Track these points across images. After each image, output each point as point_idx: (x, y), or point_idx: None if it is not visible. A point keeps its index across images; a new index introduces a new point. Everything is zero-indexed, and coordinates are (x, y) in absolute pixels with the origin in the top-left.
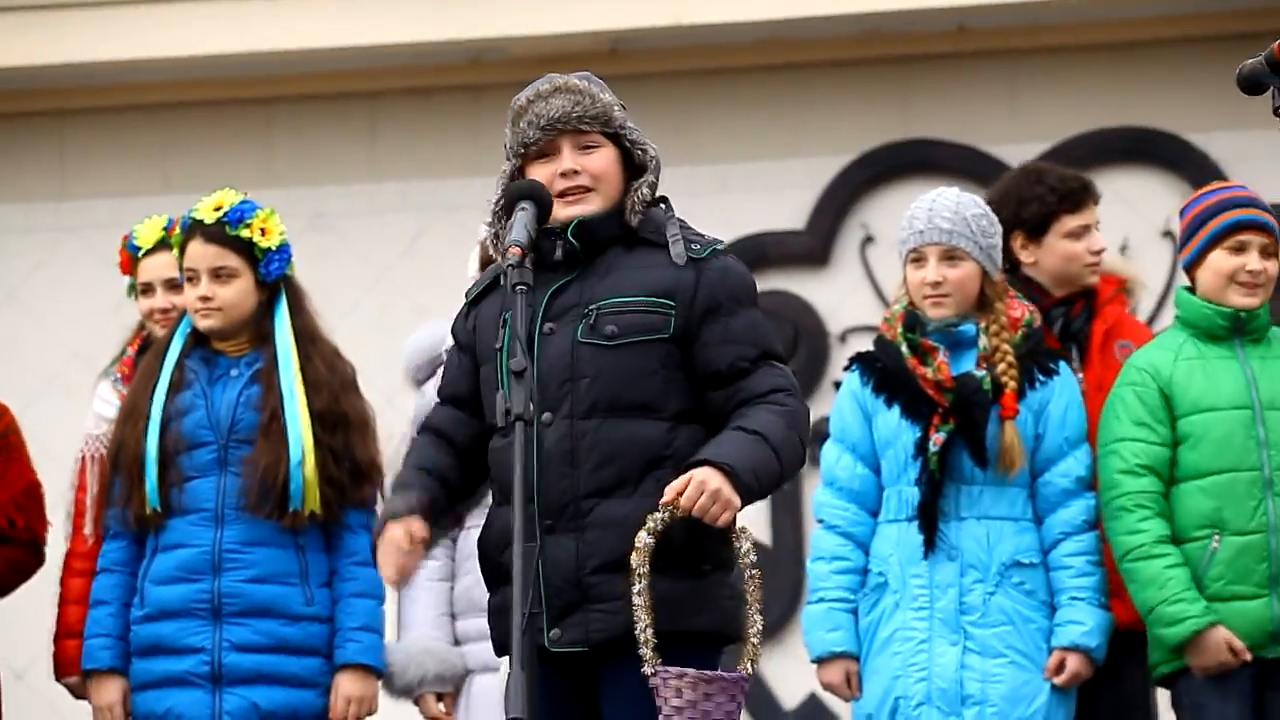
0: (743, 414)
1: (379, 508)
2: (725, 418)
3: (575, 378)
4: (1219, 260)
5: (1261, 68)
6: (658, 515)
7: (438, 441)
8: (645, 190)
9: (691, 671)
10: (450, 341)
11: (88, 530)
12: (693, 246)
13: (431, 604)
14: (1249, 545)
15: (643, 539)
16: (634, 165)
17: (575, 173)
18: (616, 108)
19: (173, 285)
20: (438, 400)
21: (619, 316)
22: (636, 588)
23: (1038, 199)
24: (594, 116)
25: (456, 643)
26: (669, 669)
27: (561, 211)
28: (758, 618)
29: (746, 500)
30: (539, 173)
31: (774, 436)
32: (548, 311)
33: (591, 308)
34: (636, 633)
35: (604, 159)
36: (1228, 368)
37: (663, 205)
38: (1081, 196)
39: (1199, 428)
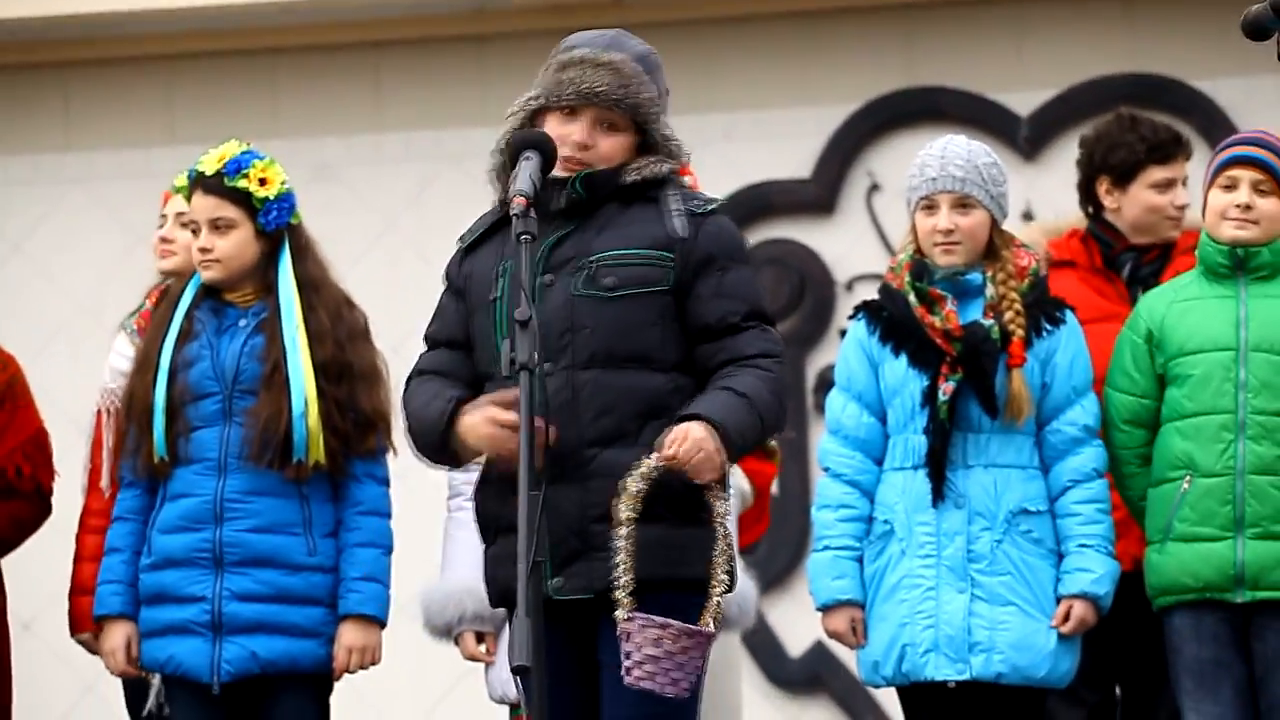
0: (730, 374)
1: (389, 458)
2: (708, 372)
3: (575, 329)
4: (1213, 198)
5: (1266, 13)
6: (650, 463)
7: (438, 378)
8: (661, 168)
9: (675, 624)
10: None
11: (104, 484)
12: (692, 202)
13: (474, 545)
14: (1214, 487)
15: (633, 486)
16: (646, 150)
17: (586, 147)
18: (654, 104)
19: (183, 221)
20: (426, 345)
21: (618, 269)
22: (624, 532)
23: (1127, 146)
24: (629, 106)
25: None
26: (652, 617)
27: (558, 170)
28: (724, 576)
29: (730, 461)
30: (554, 126)
31: (759, 402)
32: (547, 263)
33: (591, 260)
34: (615, 577)
35: (617, 144)
36: (1222, 307)
37: (661, 183)
38: (1172, 150)
39: (1184, 368)
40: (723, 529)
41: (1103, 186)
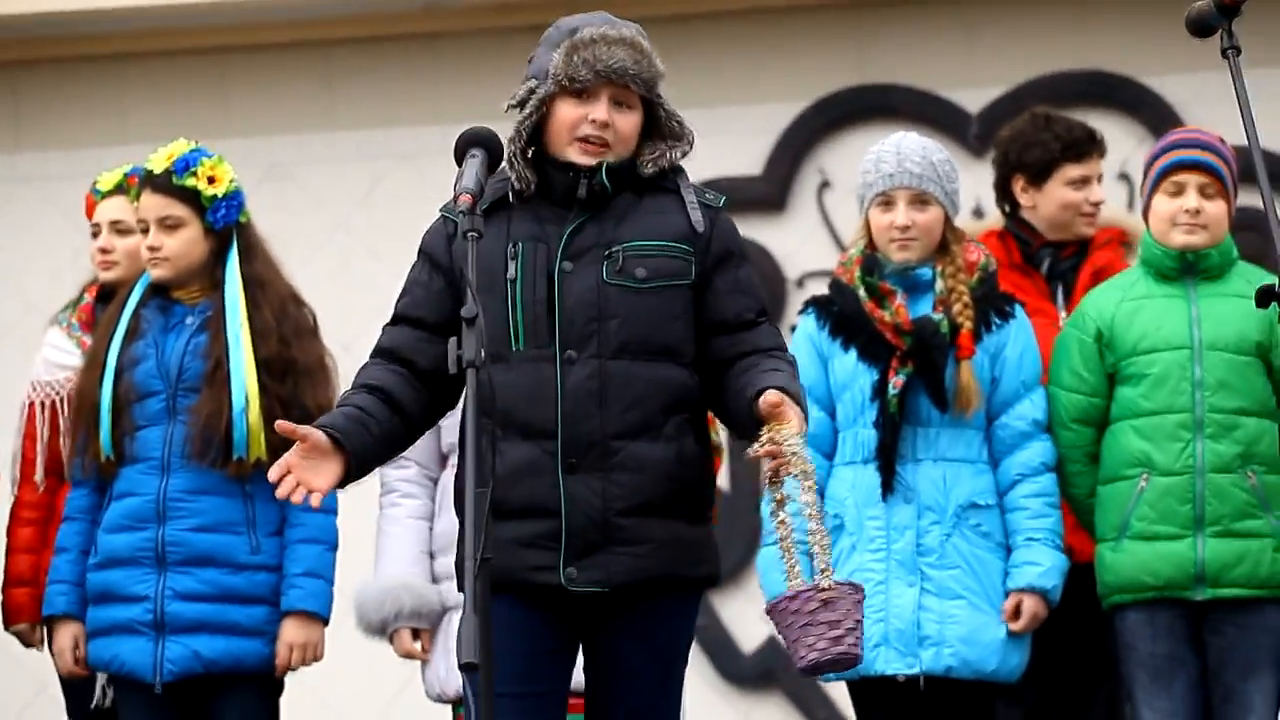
0: (763, 363)
1: None
2: (724, 364)
3: (603, 317)
4: (1159, 204)
5: (1210, 10)
6: (783, 431)
7: (390, 366)
8: (677, 154)
9: (862, 585)
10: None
11: (38, 478)
12: (707, 195)
13: (410, 542)
14: (1173, 486)
15: (798, 449)
16: (653, 131)
17: (606, 125)
18: (662, 78)
19: (118, 229)
20: (391, 319)
21: (646, 259)
22: (809, 499)
23: (1042, 144)
24: (644, 80)
25: (435, 581)
26: (848, 582)
27: (576, 156)
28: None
29: None
30: (568, 110)
31: (802, 393)
32: (566, 249)
33: (615, 249)
34: (814, 541)
35: (633, 123)
36: (1174, 307)
37: (674, 170)
38: (1086, 147)
39: (1139, 368)
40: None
41: (1018, 185)
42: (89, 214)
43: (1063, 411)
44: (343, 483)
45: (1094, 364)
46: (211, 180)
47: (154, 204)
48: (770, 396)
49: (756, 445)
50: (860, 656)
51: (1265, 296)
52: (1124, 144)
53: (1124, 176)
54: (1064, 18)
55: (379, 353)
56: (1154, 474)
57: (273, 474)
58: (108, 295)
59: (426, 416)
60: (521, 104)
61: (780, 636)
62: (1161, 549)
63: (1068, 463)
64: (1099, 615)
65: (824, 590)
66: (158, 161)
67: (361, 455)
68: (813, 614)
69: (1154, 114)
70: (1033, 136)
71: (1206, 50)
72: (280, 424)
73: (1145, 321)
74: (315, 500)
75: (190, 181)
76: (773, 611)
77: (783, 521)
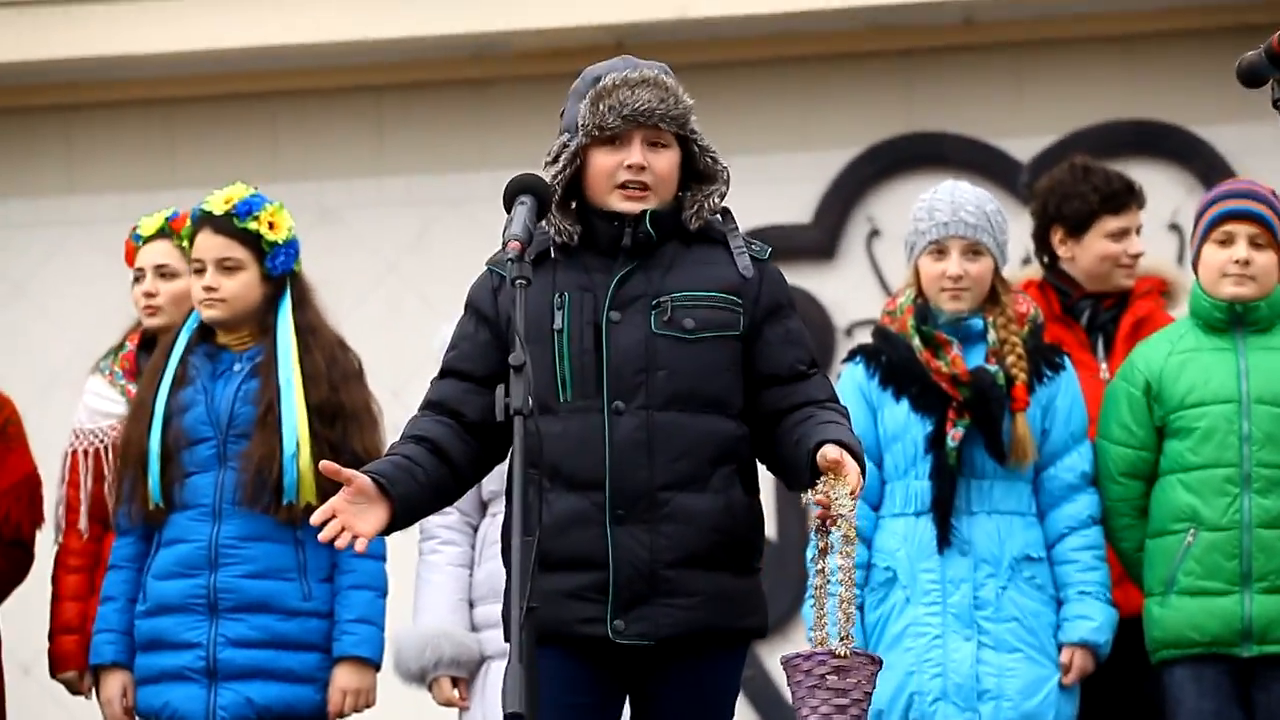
0: (821, 414)
1: None
2: (777, 415)
3: (651, 369)
4: (1209, 254)
5: (1261, 60)
6: (837, 487)
7: (438, 418)
8: (715, 199)
9: (880, 658)
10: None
11: (82, 525)
12: (754, 247)
13: (449, 589)
14: (1221, 541)
15: (843, 512)
16: (693, 169)
17: (642, 169)
18: (693, 113)
19: (162, 273)
20: (439, 373)
21: (695, 311)
22: (842, 562)
23: (1080, 196)
24: (674, 118)
25: (474, 629)
26: (865, 653)
27: (617, 203)
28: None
29: None
30: (603, 159)
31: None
32: (613, 300)
33: (664, 299)
34: (840, 607)
35: (670, 161)
36: (1222, 360)
37: (721, 215)
38: (1125, 199)
39: (1187, 421)
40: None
41: (1057, 236)
42: (129, 260)
43: (1111, 465)
44: (388, 529)
45: (1143, 417)
46: (272, 226)
47: (214, 245)
48: (830, 452)
49: (811, 492)
50: None
51: None
52: (1174, 194)
53: (1174, 227)
54: (1114, 66)
55: (427, 405)
56: (1201, 529)
57: (317, 517)
58: (150, 342)
59: (476, 468)
60: (556, 159)
61: (790, 690)
62: (1209, 604)
63: (1116, 516)
64: (1143, 668)
65: (839, 657)
66: (217, 203)
67: (407, 502)
68: (822, 678)
69: (1204, 164)
70: (1071, 188)
71: (1257, 100)
72: (325, 465)
73: (1193, 375)
74: (360, 545)
75: (252, 225)
76: (786, 665)
77: (820, 571)
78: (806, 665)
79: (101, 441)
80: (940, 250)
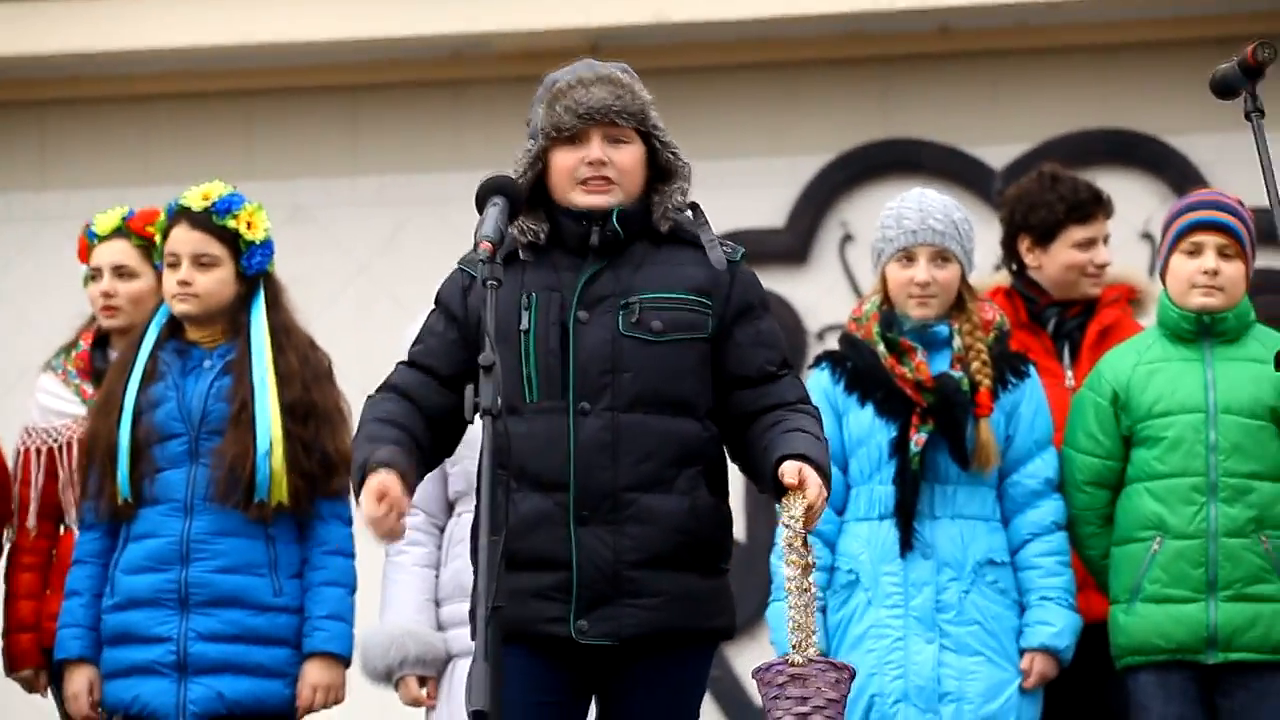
0: (790, 418)
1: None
2: (747, 418)
3: (617, 370)
4: (1177, 264)
5: (1234, 72)
6: (794, 503)
7: (403, 402)
8: (679, 196)
9: (850, 665)
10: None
11: (30, 523)
12: (726, 247)
13: (415, 589)
14: (1186, 549)
15: (795, 528)
16: (657, 166)
17: (603, 163)
18: (652, 107)
19: (120, 273)
20: (403, 362)
21: (663, 312)
22: (792, 574)
23: (1047, 206)
24: (632, 113)
25: (440, 628)
26: (830, 660)
27: (580, 199)
28: (814, 624)
29: None
30: (564, 158)
31: (826, 445)
32: (580, 299)
33: (632, 300)
34: (790, 618)
35: (632, 156)
36: (1189, 370)
37: (691, 210)
38: (1091, 209)
39: (1154, 430)
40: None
41: (1024, 245)
42: (83, 256)
43: (1077, 474)
44: None
45: (1109, 427)
46: (250, 225)
47: (191, 240)
48: (787, 473)
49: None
50: None
51: None
52: (1147, 203)
53: (1146, 236)
54: (1089, 76)
55: (389, 388)
56: (1167, 537)
57: (379, 511)
58: (104, 341)
59: (432, 459)
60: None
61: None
62: (1174, 612)
63: (1082, 524)
64: (1106, 674)
65: (795, 665)
66: (195, 199)
67: (411, 487)
68: (781, 687)
69: (1177, 174)
70: (1038, 197)
71: (1233, 110)
72: (378, 494)
73: (1161, 385)
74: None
75: (231, 223)
76: (754, 676)
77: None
78: (767, 676)
79: (55, 440)
80: (909, 257)
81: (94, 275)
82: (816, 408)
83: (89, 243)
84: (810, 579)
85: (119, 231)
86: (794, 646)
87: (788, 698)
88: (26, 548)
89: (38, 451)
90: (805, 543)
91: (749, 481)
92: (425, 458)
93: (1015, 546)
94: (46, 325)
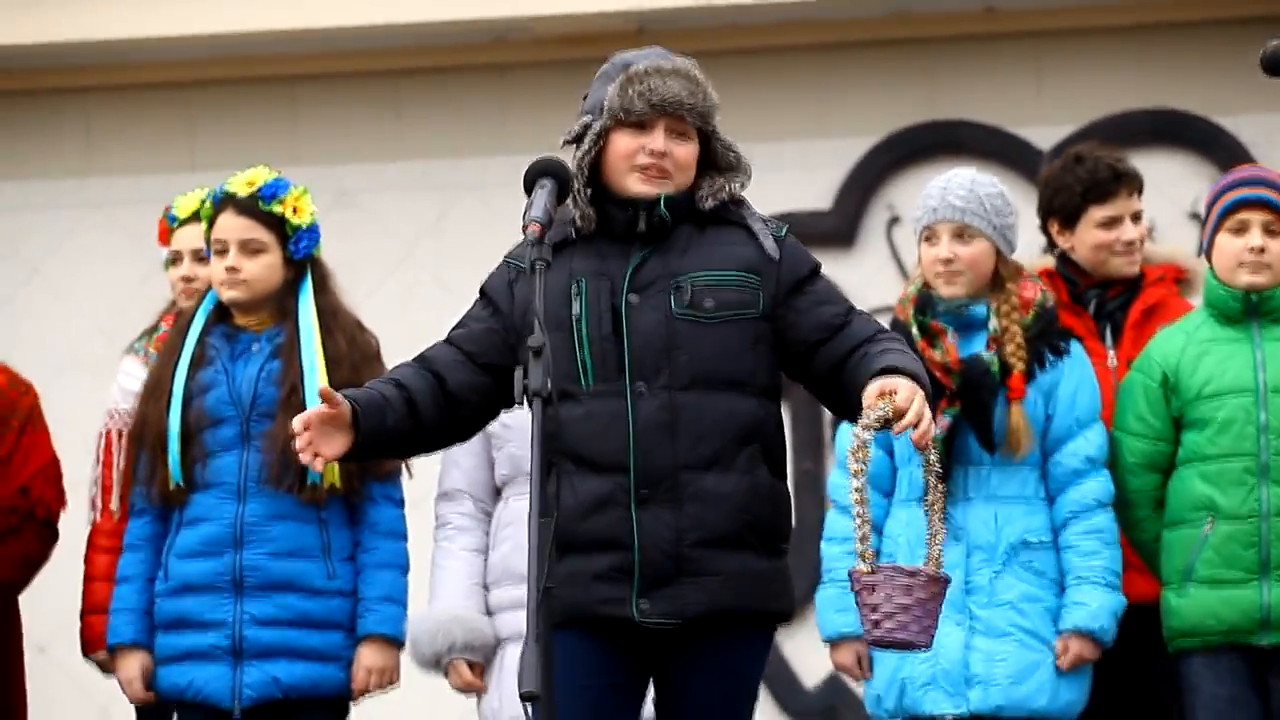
0: (874, 347)
1: (404, 481)
2: (835, 369)
3: (672, 350)
4: (1223, 242)
5: None
6: (870, 413)
7: (423, 372)
8: (736, 187)
9: (924, 570)
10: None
11: (114, 506)
12: (769, 224)
13: (463, 574)
14: (1239, 531)
15: (863, 436)
16: (710, 163)
17: (664, 155)
18: (718, 110)
19: (199, 256)
20: (444, 339)
21: (714, 291)
22: (856, 484)
23: (1067, 188)
24: (701, 113)
25: (489, 613)
26: (900, 565)
27: (636, 185)
28: (942, 525)
29: None
30: (625, 142)
31: (917, 362)
32: (631, 283)
33: (682, 281)
34: (855, 526)
35: (690, 152)
36: (1238, 350)
37: (736, 204)
38: (1110, 187)
39: (1204, 412)
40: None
41: (1054, 228)
42: (163, 239)
43: (1129, 457)
44: (342, 459)
45: (1160, 409)
46: (296, 210)
47: (237, 226)
48: (871, 386)
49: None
50: (909, 642)
51: None
52: (1195, 183)
53: (1195, 216)
54: (1135, 55)
55: (418, 358)
56: (1219, 519)
57: (296, 423)
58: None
59: (437, 435)
60: (578, 140)
61: None
62: (1227, 594)
63: (1134, 508)
64: (1156, 658)
65: (863, 574)
66: (241, 185)
67: (368, 439)
68: (859, 595)
69: (1226, 154)
70: (1060, 180)
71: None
72: (323, 388)
73: (1210, 366)
74: (318, 465)
75: (277, 209)
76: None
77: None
78: (850, 586)
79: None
80: (931, 235)
81: (174, 259)
82: (898, 335)
83: (169, 226)
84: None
85: (197, 215)
86: (861, 556)
87: (864, 605)
88: (106, 530)
89: (118, 434)
90: (869, 454)
91: (795, 464)
92: (421, 427)
93: (1058, 526)
94: (92, 311)
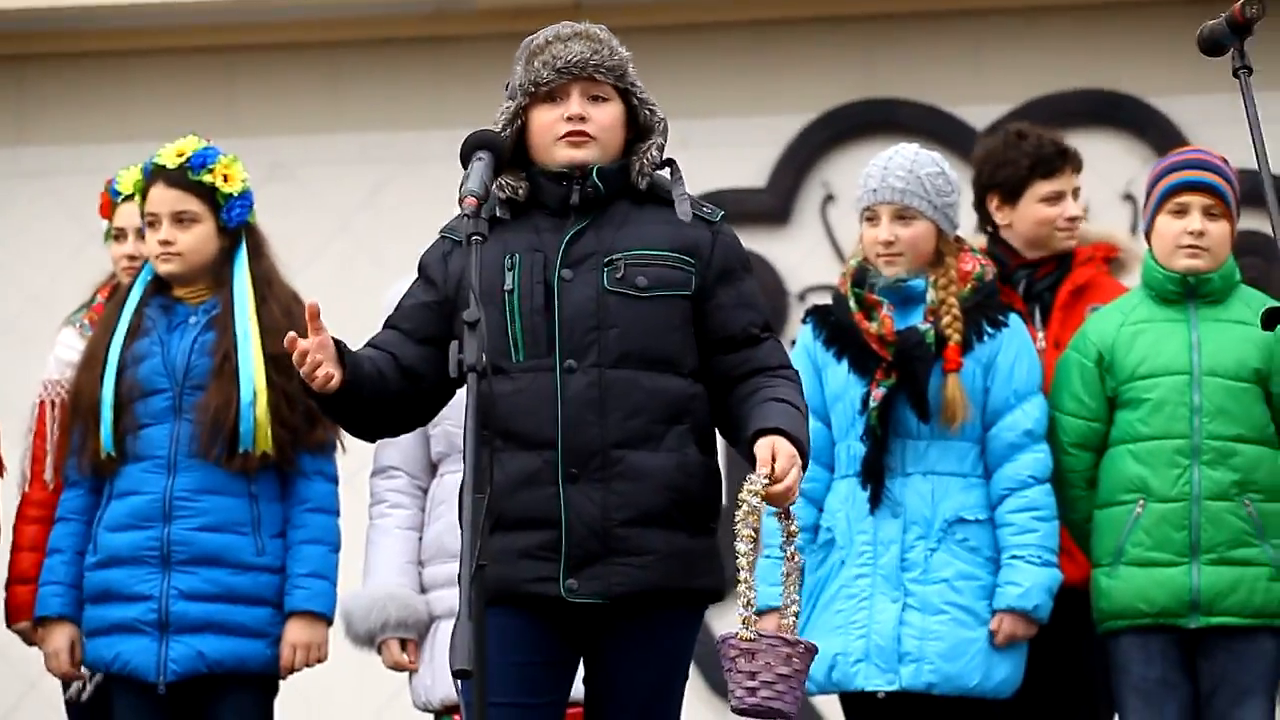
0: (769, 385)
1: (338, 457)
2: (729, 382)
3: (603, 326)
4: (1163, 225)
5: (1222, 29)
6: (757, 480)
7: (379, 351)
8: (654, 152)
9: (804, 641)
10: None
11: (47, 476)
12: (704, 209)
13: (397, 552)
14: (1170, 513)
15: (752, 503)
16: (636, 125)
17: (582, 119)
18: (630, 64)
19: (142, 234)
20: (382, 326)
21: (647, 269)
22: (744, 549)
23: (1012, 163)
24: (610, 68)
25: (423, 591)
26: (782, 635)
27: (560, 154)
28: (797, 595)
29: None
30: (543, 115)
31: (804, 414)
32: (564, 258)
33: (616, 257)
34: (739, 591)
35: (611, 113)
36: (1174, 331)
37: (668, 167)
38: (1056, 163)
39: (1138, 392)
40: (793, 548)
41: (993, 203)
42: (104, 212)
43: (1063, 435)
44: (330, 403)
45: (1095, 388)
46: (226, 178)
47: (168, 198)
48: (760, 452)
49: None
50: (781, 712)
51: (1271, 319)
52: (1129, 164)
53: (1128, 197)
54: (1072, 35)
55: (366, 345)
56: (1150, 500)
57: (302, 344)
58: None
59: (405, 405)
60: (507, 126)
61: None
62: (1157, 575)
63: (1068, 487)
64: (1086, 638)
65: (744, 640)
66: (169, 156)
67: (355, 380)
68: (734, 660)
69: (1160, 134)
70: (1003, 155)
71: (1216, 70)
72: (312, 304)
73: (1145, 346)
74: (334, 385)
75: (206, 178)
76: (716, 645)
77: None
78: (723, 648)
79: (68, 393)
80: (873, 216)
81: (118, 235)
82: (797, 372)
83: (111, 200)
84: (785, 549)
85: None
86: (743, 622)
87: (739, 671)
88: (36, 500)
89: (52, 404)
90: (760, 518)
91: (726, 443)
92: (389, 390)
93: (994, 502)
94: (26, 281)
